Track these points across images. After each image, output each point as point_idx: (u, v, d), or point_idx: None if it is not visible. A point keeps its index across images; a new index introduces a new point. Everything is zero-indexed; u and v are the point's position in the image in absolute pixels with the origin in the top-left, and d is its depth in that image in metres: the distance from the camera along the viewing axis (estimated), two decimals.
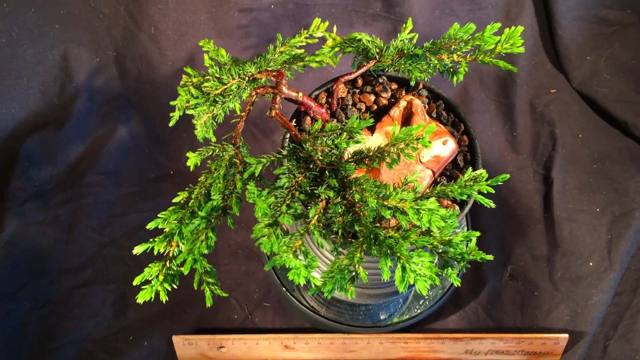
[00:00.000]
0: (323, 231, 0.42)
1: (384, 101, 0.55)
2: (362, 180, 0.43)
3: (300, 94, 0.51)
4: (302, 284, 0.38)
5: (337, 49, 0.57)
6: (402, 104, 0.52)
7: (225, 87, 0.54)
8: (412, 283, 0.37)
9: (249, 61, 0.56)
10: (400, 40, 0.53)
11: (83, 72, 0.84)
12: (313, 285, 0.37)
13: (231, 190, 0.48)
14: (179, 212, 0.50)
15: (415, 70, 0.52)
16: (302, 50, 0.61)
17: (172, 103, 0.53)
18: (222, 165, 0.50)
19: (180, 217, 0.49)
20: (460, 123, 0.52)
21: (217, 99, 0.54)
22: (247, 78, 0.55)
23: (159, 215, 0.46)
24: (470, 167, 0.43)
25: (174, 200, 0.48)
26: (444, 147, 0.48)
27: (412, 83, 0.53)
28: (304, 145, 0.47)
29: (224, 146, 0.51)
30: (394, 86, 0.56)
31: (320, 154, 0.46)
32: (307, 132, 0.47)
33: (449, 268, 0.39)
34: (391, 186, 0.40)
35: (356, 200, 0.42)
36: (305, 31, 0.60)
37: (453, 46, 0.51)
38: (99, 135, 0.84)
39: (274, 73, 0.51)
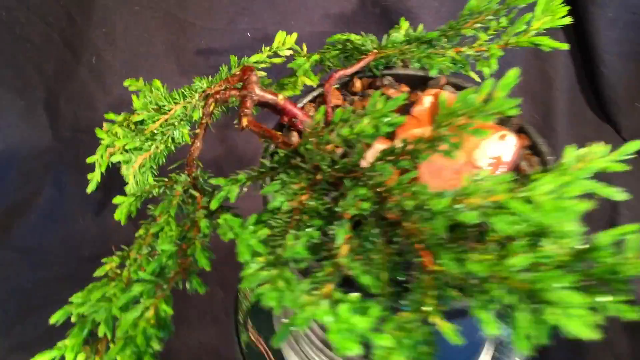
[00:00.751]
0: (366, 267, 0.25)
1: None
2: (407, 184, 0.27)
3: (281, 97, 0.37)
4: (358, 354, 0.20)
5: (316, 57, 0.45)
6: (427, 99, 0.39)
7: (167, 116, 0.42)
8: (553, 324, 0.20)
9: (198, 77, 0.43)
10: (403, 35, 0.43)
11: (2, 120, 0.68)
12: (378, 353, 0.19)
13: (192, 237, 0.31)
14: (105, 287, 0.33)
15: (436, 58, 0.40)
16: (264, 74, 0.49)
17: (89, 160, 0.42)
18: (172, 204, 0.34)
19: (107, 294, 0.32)
20: (508, 119, 0.39)
21: (157, 131, 0.41)
22: (197, 97, 0.41)
23: (70, 299, 0.32)
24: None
25: (95, 274, 0.35)
26: (505, 145, 0.35)
27: (434, 72, 0.41)
28: (302, 149, 0.31)
29: (173, 179, 0.36)
30: (405, 89, 0.43)
31: (328, 160, 0.30)
32: (304, 132, 0.33)
33: (603, 295, 0.22)
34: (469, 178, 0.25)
35: (408, 208, 0.26)
36: (268, 48, 0.49)
37: (478, 23, 0.40)
38: (17, 200, 0.67)
39: (236, 74, 0.38)
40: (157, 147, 0.41)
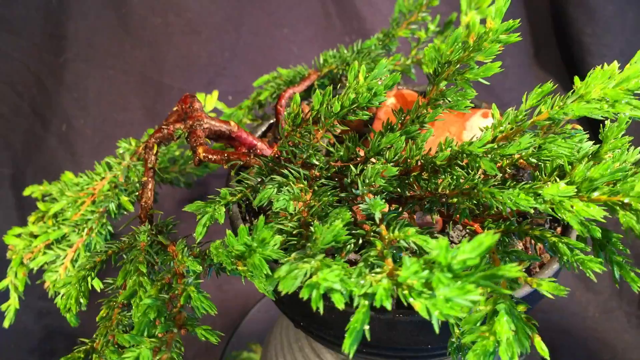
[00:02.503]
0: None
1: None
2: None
3: (233, 124, 0.33)
4: None
5: (247, 103, 0.44)
6: (389, 100, 0.38)
7: (94, 196, 0.37)
8: None
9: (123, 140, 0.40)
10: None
11: None
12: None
13: (179, 286, 0.26)
14: None
15: (380, 60, 0.40)
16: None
17: (1, 286, 0.36)
18: (139, 260, 0.28)
19: None
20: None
21: (86, 214, 0.36)
22: (127, 158, 0.38)
23: None
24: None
25: None
26: (488, 121, 0.35)
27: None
28: (286, 147, 0.28)
29: (131, 235, 0.31)
30: None
31: (320, 152, 0.28)
32: (287, 127, 0.29)
33: None
34: None
35: (441, 162, 0.23)
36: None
37: (411, 24, 0.42)
38: None
39: (174, 110, 0.34)
40: (90, 230, 0.35)
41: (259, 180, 0.28)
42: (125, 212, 0.36)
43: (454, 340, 0.20)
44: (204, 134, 0.31)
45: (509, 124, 0.22)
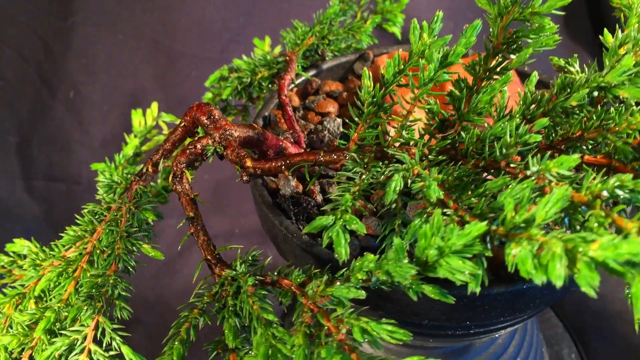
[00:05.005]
0: None
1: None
2: None
3: (257, 126, 0.30)
4: None
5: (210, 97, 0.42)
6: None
7: (87, 255, 0.29)
8: None
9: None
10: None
11: None
12: None
13: (338, 327, 0.22)
14: None
15: (361, 25, 0.42)
16: None
17: None
18: (255, 309, 0.24)
19: None
20: None
21: (94, 280, 0.28)
22: (125, 200, 0.31)
23: None
24: None
25: None
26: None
27: (365, 39, 0.43)
28: (369, 133, 0.26)
29: (227, 278, 0.25)
30: (339, 86, 0.41)
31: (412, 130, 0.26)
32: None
33: None
34: None
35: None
36: (132, 135, 0.44)
37: None
38: None
39: (182, 126, 0.30)
40: (110, 297, 0.27)
41: (360, 173, 0.25)
42: (144, 264, 0.31)
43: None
44: (237, 144, 0.27)
45: (634, 45, 0.21)
